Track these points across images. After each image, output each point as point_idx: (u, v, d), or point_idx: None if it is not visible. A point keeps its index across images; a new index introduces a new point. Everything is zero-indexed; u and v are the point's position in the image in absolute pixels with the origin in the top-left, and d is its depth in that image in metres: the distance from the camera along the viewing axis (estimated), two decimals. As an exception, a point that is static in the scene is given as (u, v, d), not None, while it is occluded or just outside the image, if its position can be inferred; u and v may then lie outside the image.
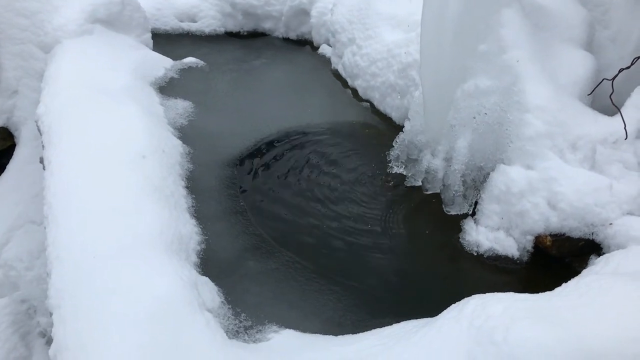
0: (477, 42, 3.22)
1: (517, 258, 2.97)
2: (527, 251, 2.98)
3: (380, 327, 2.34)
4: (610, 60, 3.36)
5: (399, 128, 3.93)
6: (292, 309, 2.62)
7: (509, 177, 3.02)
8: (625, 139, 2.98)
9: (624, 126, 2.97)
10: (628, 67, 3.08)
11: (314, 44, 6.23)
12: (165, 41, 5.87)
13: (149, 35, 5.01)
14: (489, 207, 3.10)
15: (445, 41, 3.26)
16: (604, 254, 2.71)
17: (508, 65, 3.11)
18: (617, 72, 3.13)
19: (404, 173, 3.72)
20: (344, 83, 5.18)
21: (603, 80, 3.19)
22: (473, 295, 2.12)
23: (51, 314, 2.21)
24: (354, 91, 4.99)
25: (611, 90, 3.11)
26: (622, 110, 3.04)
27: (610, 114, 3.10)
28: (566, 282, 2.26)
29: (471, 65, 3.25)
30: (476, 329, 1.93)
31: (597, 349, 1.78)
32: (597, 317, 1.90)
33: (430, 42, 3.33)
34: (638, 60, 3.07)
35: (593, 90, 3.24)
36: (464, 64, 3.27)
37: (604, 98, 3.16)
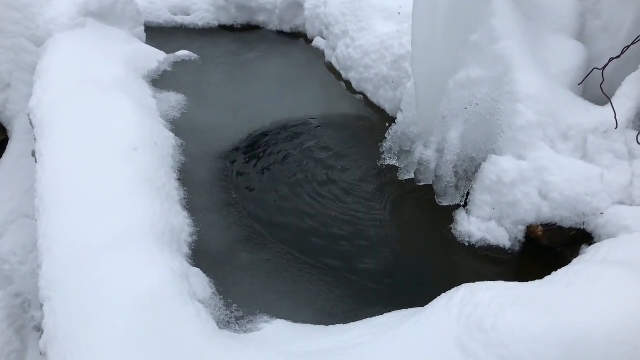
0: (469, 32, 3.20)
1: (509, 248, 2.98)
2: (519, 241, 2.98)
3: (371, 317, 2.34)
4: (601, 50, 3.35)
5: (392, 120, 3.93)
6: (284, 300, 2.62)
7: (500, 168, 3.02)
8: (616, 128, 2.98)
9: (614, 116, 2.97)
10: (618, 57, 3.07)
11: (308, 36, 6.22)
12: (159, 34, 5.85)
13: (142, 28, 4.99)
14: (480, 198, 3.11)
15: (437, 32, 3.26)
16: (595, 243, 2.70)
17: (499, 55, 3.10)
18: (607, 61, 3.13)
19: (397, 165, 3.72)
20: (338, 75, 5.18)
21: (594, 69, 3.18)
22: (462, 284, 2.12)
23: (42, 306, 2.22)
24: (348, 83, 4.99)
25: (602, 80, 3.11)
26: (612, 99, 3.04)
27: (601, 103, 3.10)
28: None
29: (463, 56, 3.24)
30: (465, 317, 1.93)
31: (584, 336, 1.79)
32: (585, 304, 1.90)
33: (422, 33, 3.33)
34: (628, 50, 3.06)
35: (584, 80, 3.23)
36: (456, 54, 3.26)
37: (595, 88, 3.15)
